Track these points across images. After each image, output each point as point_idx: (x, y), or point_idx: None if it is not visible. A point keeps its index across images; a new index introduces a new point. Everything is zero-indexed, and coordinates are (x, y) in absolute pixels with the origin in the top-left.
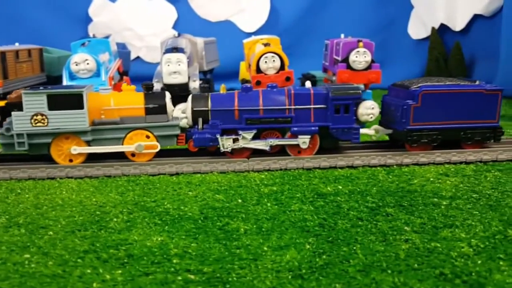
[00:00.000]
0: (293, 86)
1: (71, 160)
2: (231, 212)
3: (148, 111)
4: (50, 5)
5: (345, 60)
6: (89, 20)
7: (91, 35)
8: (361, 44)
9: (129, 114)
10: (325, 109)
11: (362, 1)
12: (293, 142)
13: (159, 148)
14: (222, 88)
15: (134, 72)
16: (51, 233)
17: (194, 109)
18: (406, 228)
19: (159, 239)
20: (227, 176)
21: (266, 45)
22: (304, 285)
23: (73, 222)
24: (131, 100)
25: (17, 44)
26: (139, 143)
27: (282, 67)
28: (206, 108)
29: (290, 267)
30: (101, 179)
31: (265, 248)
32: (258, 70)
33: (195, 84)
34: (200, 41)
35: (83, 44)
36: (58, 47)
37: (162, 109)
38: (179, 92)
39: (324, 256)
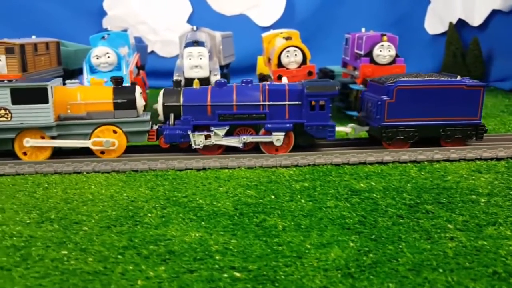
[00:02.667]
0: (269, 82)
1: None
2: (266, 208)
3: (117, 106)
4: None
5: (369, 54)
6: (103, 13)
7: (106, 28)
8: (385, 38)
9: (96, 109)
10: (300, 106)
11: None
12: (267, 139)
13: (116, 145)
14: (195, 83)
15: (149, 66)
16: (86, 228)
17: (166, 104)
18: (449, 226)
19: (197, 235)
20: (255, 171)
21: (287, 38)
22: (356, 284)
23: (107, 217)
24: (99, 94)
25: (34, 37)
26: (106, 139)
27: (304, 61)
28: (178, 103)
29: (337, 265)
30: (129, 174)
31: (308, 246)
32: (280, 64)
33: (216, 78)
34: (218, 35)
35: (103, 38)
36: (72, 41)
37: (132, 104)
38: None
39: (371, 255)
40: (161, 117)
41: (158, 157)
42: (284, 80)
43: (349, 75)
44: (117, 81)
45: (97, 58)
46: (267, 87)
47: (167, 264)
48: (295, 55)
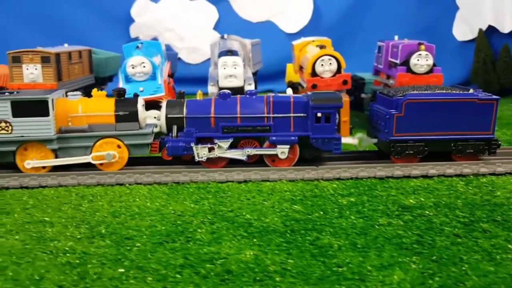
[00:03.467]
0: (273, 94)
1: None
2: (316, 225)
3: (119, 119)
4: (91, 6)
5: (405, 63)
6: (130, 21)
7: (133, 36)
8: (422, 47)
9: (98, 122)
10: (305, 118)
11: (406, 1)
12: (271, 152)
13: (117, 157)
14: (198, 94)
15: (176, 73)
16: (138, 244)
17: (169, 115)
18: (509, 246)
19: (252, 253)
20: (297, 184)
21: (321, 47)
22: None
23: (157, 233)
24: (101, 106)
25: (66, 45)
26: (107, 153)
27: (338, 70)
28: (181, 115)
29: None
30: (171, 186)
31: (369, 267)
32: (314, 73)
33: (250, 88)
34: (248, 42)
35: (137, 47)
36: (99, 48)
37: (133, 117)
38: None
39: (436, 278)
40: (163, 129)
41: (198, 169)
42: (289, 91)
43: (381, 83)
44: (119, 93)
45: (133, 68)
46: (271, 99)
47: (227, 285)
48: (330, 64)
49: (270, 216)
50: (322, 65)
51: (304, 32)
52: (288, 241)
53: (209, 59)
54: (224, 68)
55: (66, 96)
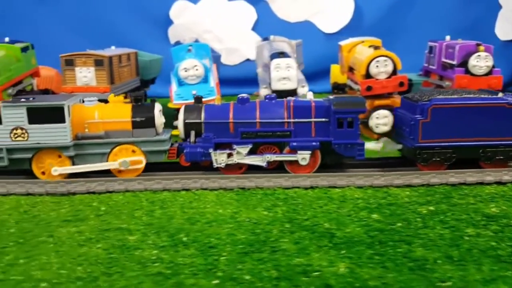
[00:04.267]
0: (294, 98)
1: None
2: (402, 236)
3: (135, 125)
4: (130, 8)
5: (462, 64)
6: (169, 22)
7: (172, 38)
8: (482, 48)
9: (114, 128)
10: (327, 123)
11: (448, 0)
12: (292, 158)
13: (144, 164)
14: (217, 99)
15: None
16: (224, 254)
17: (186, 121)
18: None
19: (345, 266)
20: (367, 191)
21: (375, 47)
22: None
23: (239, 242)
24: (118, 112)
25: (113, 47)
26: (124, 159)
27: (393, 71)
28: (199, 120)
29: None
30: (237, 192)
31: (472, 282)
32: (368, 74)
33: (304, 90)
34: (294, 43)
35: (189, 50)
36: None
37: (150, 123)
38: None
39: None
40: (181, 135)
41: (261, 175)
42: (310, 95)
43: (432, 84)
44: (137, 99)
45: (186, 71)
46: (292, 103)
47: None
48: (386, 65)
49: (350, 225)
50: (377, 66)
51: (343, 32)
52: (379, 254)
53: (247, 60)
54: (277, 71)
55: (83, 102)
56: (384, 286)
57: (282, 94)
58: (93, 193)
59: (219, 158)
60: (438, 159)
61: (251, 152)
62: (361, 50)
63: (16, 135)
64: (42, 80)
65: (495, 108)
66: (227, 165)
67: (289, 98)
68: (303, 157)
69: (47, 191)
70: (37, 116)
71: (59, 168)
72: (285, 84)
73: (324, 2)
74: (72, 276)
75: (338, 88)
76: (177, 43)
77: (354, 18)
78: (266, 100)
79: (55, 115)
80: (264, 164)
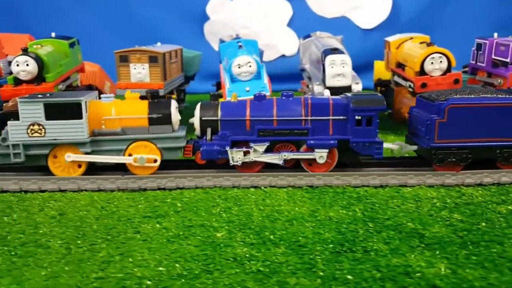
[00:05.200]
0: (311, 95)
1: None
2: (491, 236)
3: (152, 121)
4: (166, 3)
5: None
6: (205, 18)
7: (207, 34)
8: None
9: (131, 124)
10: (345, 121)
11: None
12: (309, 156)
13: (159, 162)
14: (233, 96)
15: None
16: (317, 253)
17: (203, 118)
18: None
19: (446, 267)
20: (438, 190)
21: (429, 44)
22: None
23: (328, 241)
24: (134, 109)
25: (159, 44)
26: (141, 156)
27: (448, 68)
28: (216, 118)
29: None
30: (306, 190)
31: None
32: (421, 71)
33: (358, 87)
34: (339, 39)
35: (240, 46)
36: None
37: (167, 119)
38: None
39: None
40: (197, 132)
41: (332, 173)
42: (327, 93)
43: (480, 81)
44: (153, 95)
45: (239, 67)
46: (309, 101)
47: None
48: (440, 62)
49: (435, 225)
50: (432, 63)
51: (381, 27)
52: (474, 254)
53: (282, 56)
54: (332, 67)
55: (100, 98)
56: (490, 287)
57: (336, 90)
58: (164, 189)
59: (236, 156)
60: (454, 159)
61: (267, 150)
62: (413, 46)
63: (33, 131)
64: (85, 76)
65: None
66: (243, 163)
67: (306, 95)
68: (320, 155)
69: (118, 187)
70: (54, 112)
71: (73, 154)
72: (340, 81)
73: None
74: (172, 273)
75: (382, 84)
76: (221, 40)
77: (391, 14)
78: (283, 97)
79: (72, 111)
80: (281, 162)
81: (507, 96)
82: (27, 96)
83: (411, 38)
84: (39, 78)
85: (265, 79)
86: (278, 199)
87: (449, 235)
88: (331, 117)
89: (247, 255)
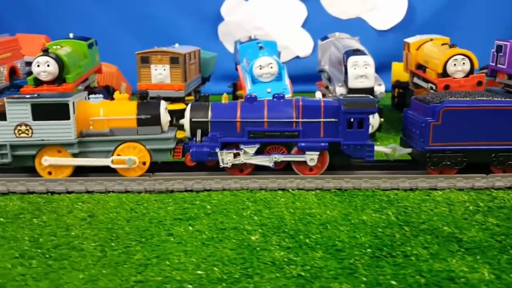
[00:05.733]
0: (302, 97)
1: (50, 173)
2: None
3: (141, 122)
4: (181, 4)
5: None
6: (220, 19)
7: (221, 35)
8: None
9: (119, 125)
10: (337, 123)
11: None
12: (300, 158)
13: (148, 162)
14: (223, 98)
15: None
16: (356, 257)
17: (193, 119)
18: None
19: (489, 272)
20: (469, 194)
21: (451, 46)
22: None
23: (365, 245)
24: (123, 110)
25: (177, 45)
26: (129, 157)
27: (470, 70)
28: (206, 119)
29: None
30: (335, 192)
31: None
32: (444, 73)
33: (380, 89)
34: (357, 39)
35: (261, 48)
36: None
37: (156, 120)
38: None
39: None
40: (187, 133)
41: (361, 176)
42: (318, 95)
43: (500, 84)
44: (142, 96)
45: (260, 69)
46: (300, 102)
47: None
48: (463, 63)
49: (471, 229)
50: (454, 64)
51: (396, 29)
52: None
53: (296, 57)
54: (355, 68)
55: (88, 99)
56: None
57: (359, 92)
58: (191, 191)
59: (226, 158)
60: (448, 163)
61: (258, 152)
62: (435, 48)
63: (20, 132)
64: (102, 77)
65: (509, 111)
66: (233, 165)
67: (297, 97)
68: (311, 157)
69: (145, 189)
70: (41, 112)
71: (50, 158)
72: (362, 82)
73: None
74: (212, 277)
75: (400, 86)
76: (239, 42)
77: (406, 16)
78: (274, 99)
79: (59, 111)
80: (271, 164)
81: (502, 99)
82: (15, 97)
83: (431, 40)
84: (59, 79)
85: (286, 80)
86: (307, 202)
87: (487, 239)
88: (322, 119)
89: (285, 259)
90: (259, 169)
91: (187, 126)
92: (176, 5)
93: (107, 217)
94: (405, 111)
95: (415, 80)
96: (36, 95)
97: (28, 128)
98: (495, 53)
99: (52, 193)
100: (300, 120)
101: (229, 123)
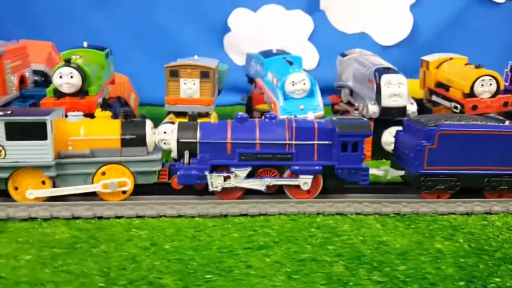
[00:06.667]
0: (294, 117)
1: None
2: None
3: (125, 143)
4: (188, 14)
5: None
6: (226, 30)
7: (226, 46)
8: None
9: (101, 146)
10: (330, 146)
11: (500, 21)
12: (293, 182)
13: (130, 186)
14: (213, 117)
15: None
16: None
17: (181, 140)
18: None
19: None
20: (506, 218)
21: (477, 66)
22: None
23: (454, 277)
24: (105, 129)
25: (196, 57)
26: (111, 181)
27: (497, 91)
28: (195, 140)
29: None
30: (395, 217)
31: None
32: (470, 93)
33: (413, 108)
34: (378, 56)
35: (291, 63)
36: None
37: (141, 141)
38: (396, 116)
39: None
40: (174, 154)
41: (418, 200)
42: (310, 116)
43: None
44: (126, 115)
45: (293, 85)
46: (293, 124)
47: None
48: (490, 84)
49: None
50: (482, 85)
51: (401, 45)
52: None
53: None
54: (388, 87)
55: (66, 116)
56: None
57: (391, 111)
58: (246, 215)
59: (215, 181)
60: (442, 187)
61: (248, 175)
62: (459, 68)
63: None
64: (114, 88)
65: (503, 136)
66: (223, 188)
67: (289, 117)
68: (305, 181)
69: (199, 213)
70: (16, 132)
71: (35, 191)
72: (396, 101)
73: (382, 14)
74: None
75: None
76: (267, 53)
77: (412, 32)
78: (266, 120)
79: (36, 131)
80: (263, 188)
81: (496, 124)
82: None
83: (451, 59)
84: (82, 91)
85: (319, 97)
86: (372, 228)
87: None
88: (316, 142)
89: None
90: (249, 193)
91: (174, 146)
92: (182, 13)
93: (172, 246)
94: (397, 132)
95: (434, 98)
96: (9, 112)
97: (1, 149)
98: (509, 73)
99: (100, 218)
100: (294, 142)
101: (219, 144)
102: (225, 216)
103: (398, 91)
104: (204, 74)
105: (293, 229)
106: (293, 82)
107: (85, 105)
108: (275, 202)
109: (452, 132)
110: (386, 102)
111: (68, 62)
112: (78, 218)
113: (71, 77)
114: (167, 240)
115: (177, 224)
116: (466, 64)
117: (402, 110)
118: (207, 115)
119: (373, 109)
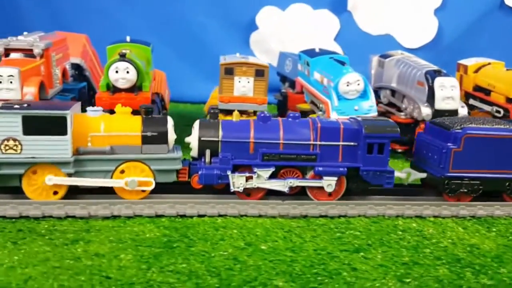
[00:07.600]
0: (318, 117)
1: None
2: None
3: (146, 140)
4: (214, 10)
5: None
6: (254, 27)
7: (252, 43)
8: None
9: (121, 143)
10: (356, 147)
11: None
12: (317, 184)
13: (153, 185)
14: (235, 115)
15: None
16: None
17: (202, 138)
18: None
19: None
20: None
21: None
22: None
23: None
24: (126, 125)
25: (238, 54)
26: (132, 179)
27: None
28: (216, 139)
29: None
30: (470, 220)
31: None
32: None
33: (464, 111)
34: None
35: (344, 64)
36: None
37: (163, 138)
38: None
39: None
40: (194, 153)
41: (475, 203)
42: (334, 115)
43: None
44: (147, 111)
45: (347, 85)
46: (319, 124)
47: None
48: None
49: None
50: None
51: (425, 48)
52: None
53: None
54: (442, 89)
55: (85, 111)
56: None
57: (444, 114)
58: (325, 216)
59: (237, 182)
60: (465, 190)
61: (271, 176)
62: (501, 73)
63: (7, 147)
64: (153, 84)
65: None
66: (245, 189)
67: (312, 117)
68: (329, 183)
69: (279, 213)
70: (34, 126)
71: (55, 177)
72: (449, 104)
73: (408, 16)
74: None
75: None
76: (311, 52)
77: (437, 35)
78: (290, 119)
79: (55, 125)
80: (286, 189)
81: None
82: (2, 107)
83: (489, 64)
84: (136, 87)
85: (373, 98)
86: (455, 231)
87: None
88: (341, 143)
89: None
90: (270, 193)
91: (195, 145)
92: (208, 9)
93: (268, 247)
94: (418, 134)
95: (472, 101)
96: (26, 105)
97: (17, 143)
98: None
99: (182, 216)
100: (318, 142)
101: (242, 143)
102: (305, 216)
103: (451, 94)
104: (259, 73)
105: (379, 231)
106: (348, 82)
107: (141, 101)
108: (354, 204)
109: (478, 135)
110: (440, 104)
111: (123, 57)
112: (161, 216)
113: (127, 72)
114: (260, 241)
115: (262, 224)
116: (508, 70)
117: (455, 113)
118: (254, 114)
119: (426, 112)
